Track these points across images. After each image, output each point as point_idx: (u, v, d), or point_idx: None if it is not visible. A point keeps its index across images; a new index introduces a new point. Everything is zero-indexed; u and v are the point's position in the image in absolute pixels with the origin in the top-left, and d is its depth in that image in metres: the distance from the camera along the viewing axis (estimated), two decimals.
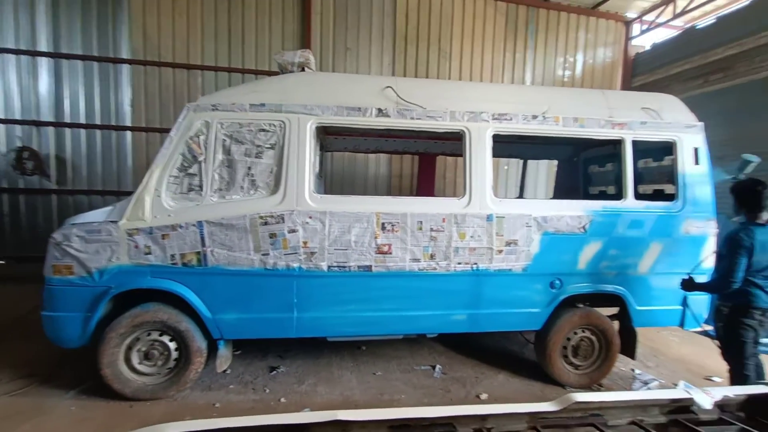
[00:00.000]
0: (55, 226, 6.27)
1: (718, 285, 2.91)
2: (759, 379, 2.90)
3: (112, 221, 2.82)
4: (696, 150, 3.45)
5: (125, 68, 6.48)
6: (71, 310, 2.81)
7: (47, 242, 2.80)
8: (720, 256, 2.94)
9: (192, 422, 1.46)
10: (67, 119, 6.35)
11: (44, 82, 6.25)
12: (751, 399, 2.03)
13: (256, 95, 3.05)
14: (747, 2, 6.19)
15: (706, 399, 1.92)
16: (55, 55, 6.22)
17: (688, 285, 2.98)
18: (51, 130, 6.31)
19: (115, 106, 6.49)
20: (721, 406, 2.01)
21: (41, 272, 2.83)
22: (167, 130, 6.35)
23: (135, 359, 2.92)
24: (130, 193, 2.95)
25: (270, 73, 6.69)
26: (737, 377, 2.90)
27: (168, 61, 6.57)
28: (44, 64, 6.23)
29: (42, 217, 6.42)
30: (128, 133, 6.56)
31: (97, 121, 6.44)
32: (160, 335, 2.94)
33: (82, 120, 6.40)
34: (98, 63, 6.38)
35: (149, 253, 2.84)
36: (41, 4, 6.13)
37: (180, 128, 2.93)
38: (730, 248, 2.77)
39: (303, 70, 3.35)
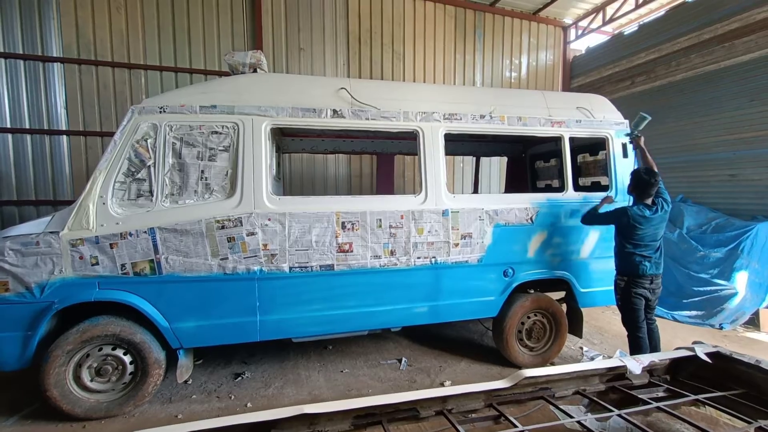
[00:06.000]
0: None
1: (585, 216, 3.49)
2: (655, 343, 3.34)
3: (52, 232, 2.63)
4: (624, 145, 3.83)
5: (57, 67, 5.97)
6: (8, 329, 2.59)
7: None
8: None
9: (153, 429, 1.44)
10: None
11: None
12: (674, 362, 2.32)
13: (206, 96, 2.97)
14: (663, 12, 6.91)
15: (636, 365, 2.17)
16: None
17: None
18: None
19: (47, 109, 5.96)
20: (650, 370, 2.27)
21: None
22: (109, 134, 6.06)
23: (86, 377, 2.75)
24: (68, 203, 2.77)
25: (220, 74, 6.46)
26: (633, 341, 3.34)
27: (106, 60, 6.14)
28: None
29: None
30: (64, 138, 6.05)
31: (26, 125, 5.88)
32: (113, 349, 2.79)
33: (8, 124, 5.82)
34: (24, 61, 5.83)
35: (96, 264, 2.69)
36: None
37: (125, 132, 2.80)
38: (614, 213, 3.27)
39: (255, 71, 3.30)
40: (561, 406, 1.91)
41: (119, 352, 2.81)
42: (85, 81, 6.10)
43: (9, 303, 2.59)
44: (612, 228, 3.44)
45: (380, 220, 3.18)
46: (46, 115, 5.97)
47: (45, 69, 5.94)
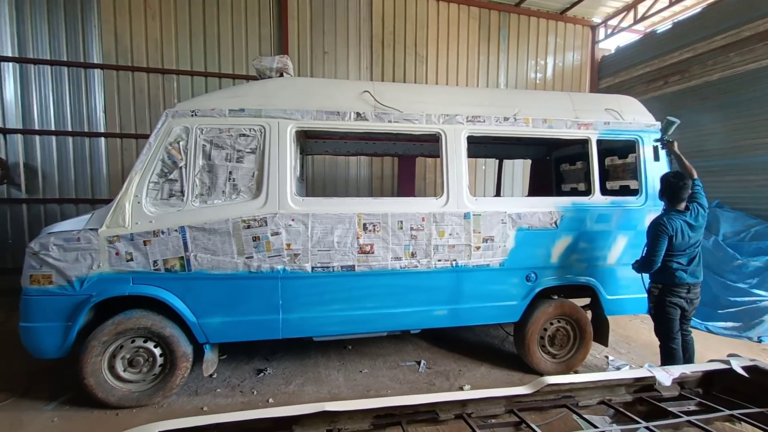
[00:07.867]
0: (26, 236, 6.07)
1: (642, 264, 3.16)
2: (690, 355, 3.18)
3: (91, 229, 2.79)
4: (655, 148, 3.70)
5: (97, 73, 6.32)
6: (51, 320, 2.76)
7: (20, 252, 2.75)
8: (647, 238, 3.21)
9: (181, 420, 1.50)
10: (36, 126, 6.14)
11: (10, 88, 6.03)
12: (707, 375, 2.22)
13: (235, 100, 3.08)
14: (700, 9, 6.62)
15: (665, 377, 2.09)
16: (21, 60, 6.01)
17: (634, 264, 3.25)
18: (19, 137, 6.09)
19: (87, 112, 6.32)
20: (681, 383, 2.18)
21: (11, 284, 2.77)
22: (143, 136, 6.35)
23: (119, 367, 2.90)
24: (105, 201, 2.93)
25: (248, 78, 6.66)
26: (666, 352, 3.18)
27: (142, 66, 6.45)
28: (9, 70, 6.02)
29: (12, 228, 6.18)
30: (102, 140, 6.40)
31: (69, 128, 6.26)
32: (145, 342, 2.93)
33: (52, 127, 6.21)
34: (68, 68, 6.21)
35: (131, 260, 2.83)
36: (4, 6, 5.92)
37: (159, 134, 2.93)
38: (654, 233, 3.05)
39: (281, 75, 3.39)
40: (585, 416, 1.86)
41: (150, 345, 2.94)
42: (122, 86, 6.43)
43: (52, 295, 2.76)
44: (641, 234, 3.32)
45: (401, 222, 3.20)
46: (86, 118, 6.33)
47: (86, 75, 6.30)
